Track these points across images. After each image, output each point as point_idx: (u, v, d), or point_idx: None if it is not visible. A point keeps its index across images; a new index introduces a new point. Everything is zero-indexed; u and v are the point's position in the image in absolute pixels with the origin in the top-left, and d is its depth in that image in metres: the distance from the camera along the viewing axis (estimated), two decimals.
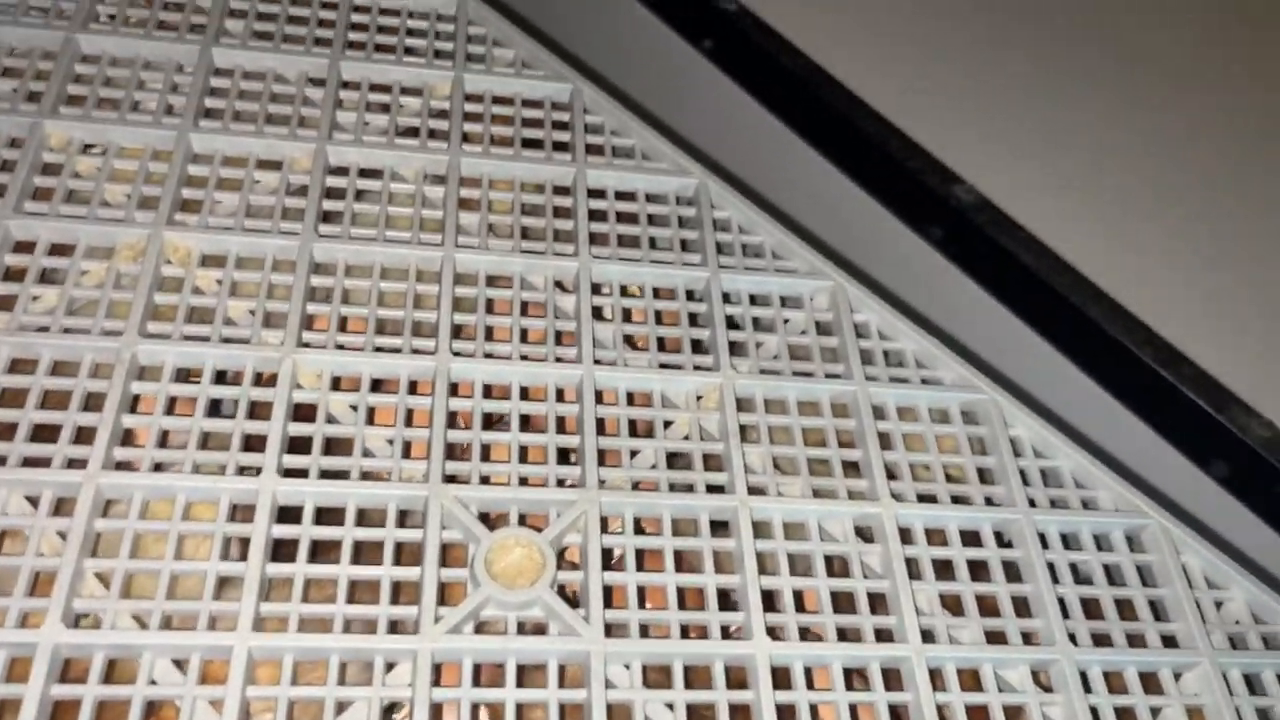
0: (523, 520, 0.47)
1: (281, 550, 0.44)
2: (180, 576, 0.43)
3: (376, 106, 0.60)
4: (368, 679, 0.42)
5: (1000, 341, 0.66)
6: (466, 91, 0.61)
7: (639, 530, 0.48)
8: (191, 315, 0.50)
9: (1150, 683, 0.47)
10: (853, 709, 0.44)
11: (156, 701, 0.41)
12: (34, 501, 0.44)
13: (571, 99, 0.62)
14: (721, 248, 0.57)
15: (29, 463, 0.44)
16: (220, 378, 0.49)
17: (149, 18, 0.60)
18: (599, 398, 0.51)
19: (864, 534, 0.50)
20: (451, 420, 0.49)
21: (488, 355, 0.51)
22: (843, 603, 0.47)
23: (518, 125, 0.60)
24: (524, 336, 0.52)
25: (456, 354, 0.50)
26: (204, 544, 0.44)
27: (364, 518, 0.46)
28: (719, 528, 0.48)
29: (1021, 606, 0.48)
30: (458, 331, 0.52)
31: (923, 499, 0.50)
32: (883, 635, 0.46)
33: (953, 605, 0.48)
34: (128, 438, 0.46)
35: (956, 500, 0.51)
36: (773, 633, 0.45)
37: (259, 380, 0.49)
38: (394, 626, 0.43)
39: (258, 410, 0.47)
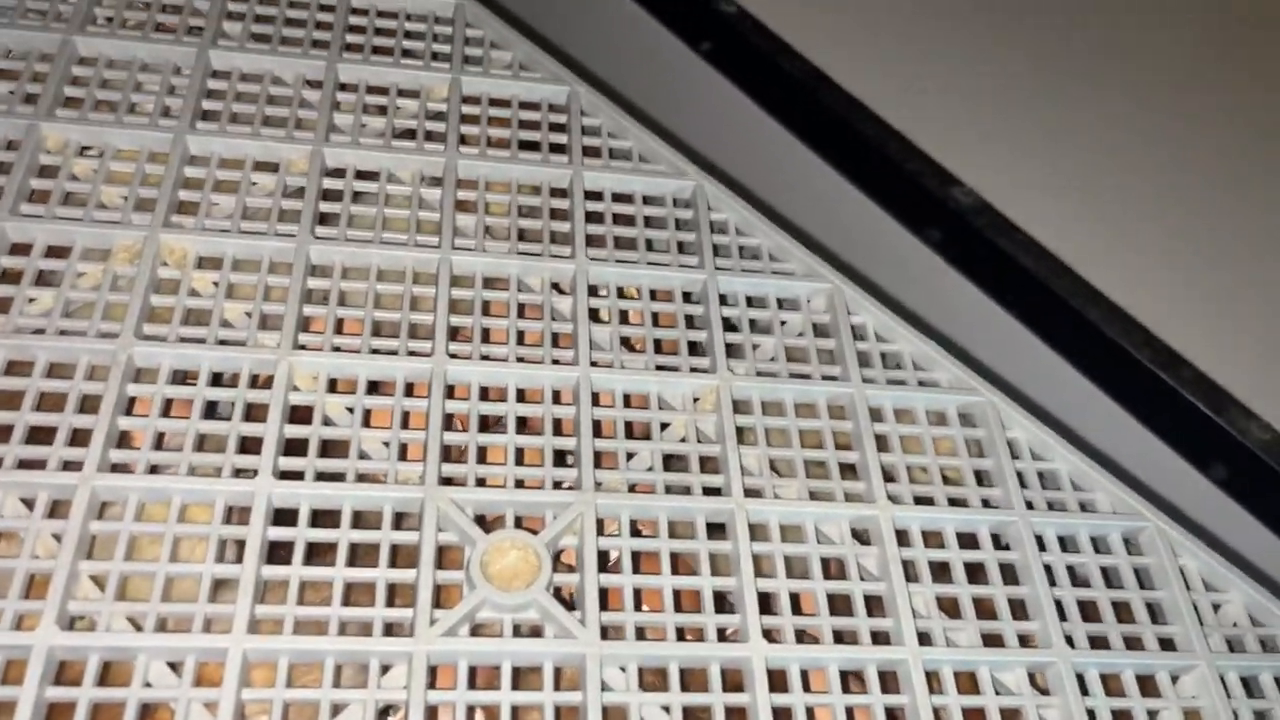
0: (519, 522, 0.47)
1: (277, 552, 0.44)
2: (175, 579, 0.43)
3: (373, 108, 0.60)
4: (363, 681, 0.42)
5: (998, 344, 0.66)
6: (464, 94, 0.61)
7: (635, 532, 0.48)
8: (188, 317, 0.50)
9: (1147, 685, 0.47)
10: (849, 711, 0.44)
11: (151, 704, 0.41)
12: (29, 504, 0.44)
13: (569, 101, 0.62)
14: (718, 250, 0.57)
15: (24, 465, 0.44)
16: (216, 380, 0.49)
17: (146, 20, 0.60)
18: (595, 400, 0.51)
19: (861, 536, 0.50)
20: (448, 422, 0.49)
21: (484, 357, 0.51)
22: (839, 605, 0.47)
23: (515, 127, 0.60)
24: (520, 338, 0.52)
25: (453, 356, 0.50)
26: (199, 546, 0.44)
27: (360, 520, 0.46)
28: (715, 530, 0.48)
29: (1018, 609, 0.48)
30: (454, 333, 0.52)
31: (920, 501, 0.50)
32: (879, 638, 0.46)
33: (949, 608, 0.48)
34: (123, 440, 0.46)
35: (953, 502, 0.51)
36: (769, 635, 0.45)
37: (255, 382, 0.49)
38: (389, 629, 0.43)
39: (254, 412, 0.47)
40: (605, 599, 0.45)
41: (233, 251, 0.52)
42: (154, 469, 0.45)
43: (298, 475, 0.46)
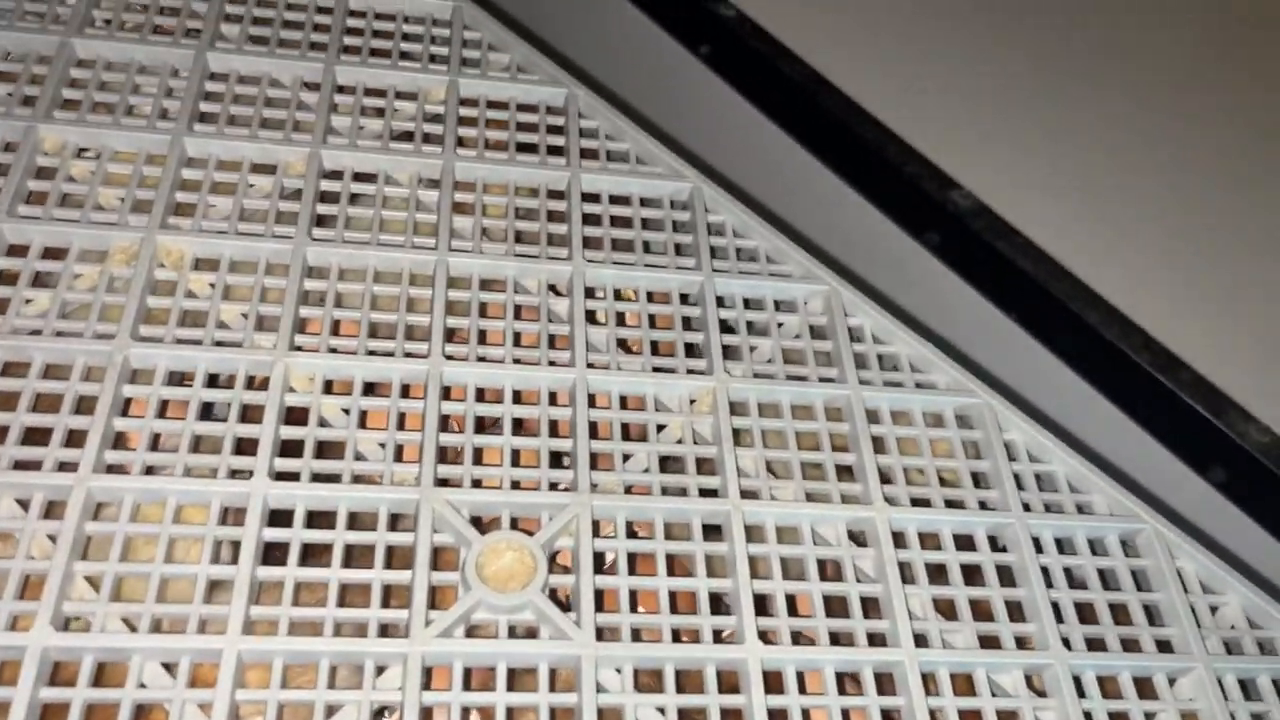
0: (514, 524, 0.46)
1: (272, 554, 0.44)
2: (171, 579, 0.43)
3: (371, 111, 0.60)
4: (358, 682, 0.42)
5: (995, 346, 0.66)
6: (461, 96, 0.61)
7: (631, 534, 0.48)
8: (184, 319, 0.50)
9: (1144, 688, 0.47)
10: (845, 713, 0.44)
11: (146, 705, 0.41)
12: (24, 504, 0.44)
13: (566, 103, 0.62)
14: (716, 252, 0.57)
15: (20, 466, 0.44)
16: (212, 381, 0.49)
17: (144, 22, 0.60)
18: (592, 401, 0.51)
19: (857, 538, 0.49)
20: (444, 424, 0.49)
21: (480, 359, 0.51)
22: (835, 607, 0.47)
23: (512, 129, 0.60)
24: (517, 340, 0.52)
25: (449, 357, 0.50)
26: (195, 547, 0.44)
27: (355, 521, 0.46)
28: (711, 531, 0.48)
29: (1015, 611, 0.48)
30: (451, 335, 0.52)
31: (916, 503, 0.50)
32: (875, 639, 0.46)
33: (946, 609, 0.48)
34: (119, 441, 0.46)
35: (950, 504, 0.51)
36: (765, 637, 0.45)
37: (251, 383, 0.49)
38: (385, 630, 0.43)
39: (250, 414, 0.47)
40: (601, 600, 0.45)
41: (230, 253, 0.52)
42: (149, 470, 0.45)
43: (293, 476, 0.46)
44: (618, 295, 0.55)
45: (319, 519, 0.45)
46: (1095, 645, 0.48)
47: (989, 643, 0.47)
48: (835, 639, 0.46)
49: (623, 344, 0.54)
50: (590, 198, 0.58)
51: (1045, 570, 0.49)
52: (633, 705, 0.43)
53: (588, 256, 0.56)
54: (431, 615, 0.43)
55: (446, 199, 0.56)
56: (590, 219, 0.57)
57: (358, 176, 0.57)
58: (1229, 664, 0.48)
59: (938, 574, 0.49)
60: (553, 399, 0.51)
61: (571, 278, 0.55)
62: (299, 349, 0.49)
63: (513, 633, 0.44)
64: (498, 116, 0.61)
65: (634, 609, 0.45)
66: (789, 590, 0.47)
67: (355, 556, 0.45)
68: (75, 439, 0.45)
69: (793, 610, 0.46)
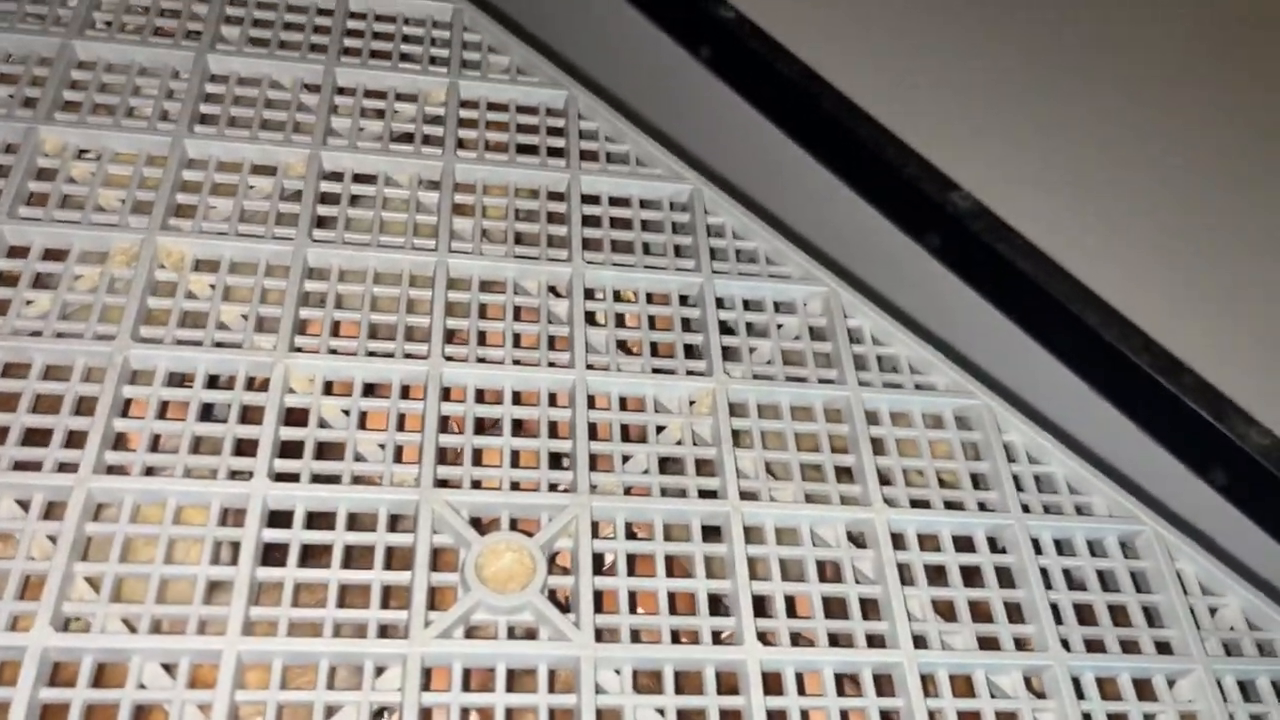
0: (514, 525, 0.47)
1: (272, 554, 0.44)
2: (170, 580, 0.43)
3: (371, 112, 0.60)
4: (357, 683, 0.42)
5: (995, 347, 0.66)
6: (461, 98, 0.61)
7: (630, 535, 0.48)
8: (184, 320, 0.50)
9: (1144, 689, 0.47)
10: (844, 715, 0.44)
11: (145, 705, 0.41)
12: (25, 505, 0.44)
13: (566, 105, 0.62)
14: (715, 253, 0.57)
15: (20, 466, 0.44)
16: (213, 382, 0.49)
17: (145, 24, 0.60)
18: (591, 402, 0.51)
19: (856, 539, 0.49)
20: (443, 425, 0.49)
21: (480, 360, 0.51)
22: (834, 608, 0.47)
23: (512, 131, 0.61)
24: (517, 341, 0.52)
25: (449, 359, 0.50)
26: (194, 548, 0.44)
27: (355, 522, 0.46)
28: (711, 533, 0.48)
29: (1014, 612, 0.48)
30: (450, 336, 0.52)
31: (916, 504, 0.50)
32: (874, 641, 0.46)
33: (945, 611, 0.48)
34: (119, 442, 0.46)
35: (949, 506, 0.51)
36: (764, 638, 0.45)
37: (251, 385, 0.49)
38: (384, 631, 0.43)
39: (250, 414, 0.47)
40: (600, 601, 0.45)
41: (230, 254, 0.52)
42: (150, 471, 0.45)
43: (293, 477, 0.46)
44: (617, 297, 0.55)
45: (319, 520, 0.45)
46: (1094, 647, 0.48)
47: (988, 644, 0.47)
48: (834, 640, 0.46)
49: (622, 345, 0.54)
50: (590, 199, 0.59)
51: (1044, 571, 0.49)
52: (632, 706, 0.43)
53: (587, 258, 0.56)
54: (431, 616, 0.43)
55: (446, 200, 0.56)
56: (590, 220, 0.58)
57: (358, 178, 0.57)
58: (1228, 666, 0.48)
59: (937, 575, 0.49)
60: (552, 400, 0.51)
61: (571, 279, 0.55)
62: (299, 350, 0.49)
63: (512, 634, 0.44)
64: (498, 118, 0.61)
65: (633, 610, 0.45)
66: (788, 591, 0.47)
67: (355, 557, 0.45)
68: (75, 440, 0.45)
69: (792, 611, 0.46)
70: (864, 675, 0.45)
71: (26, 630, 0.40)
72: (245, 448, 0.46)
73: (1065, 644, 0.47)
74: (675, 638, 0.45)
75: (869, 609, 0.47)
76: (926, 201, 0.67)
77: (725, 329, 0.55)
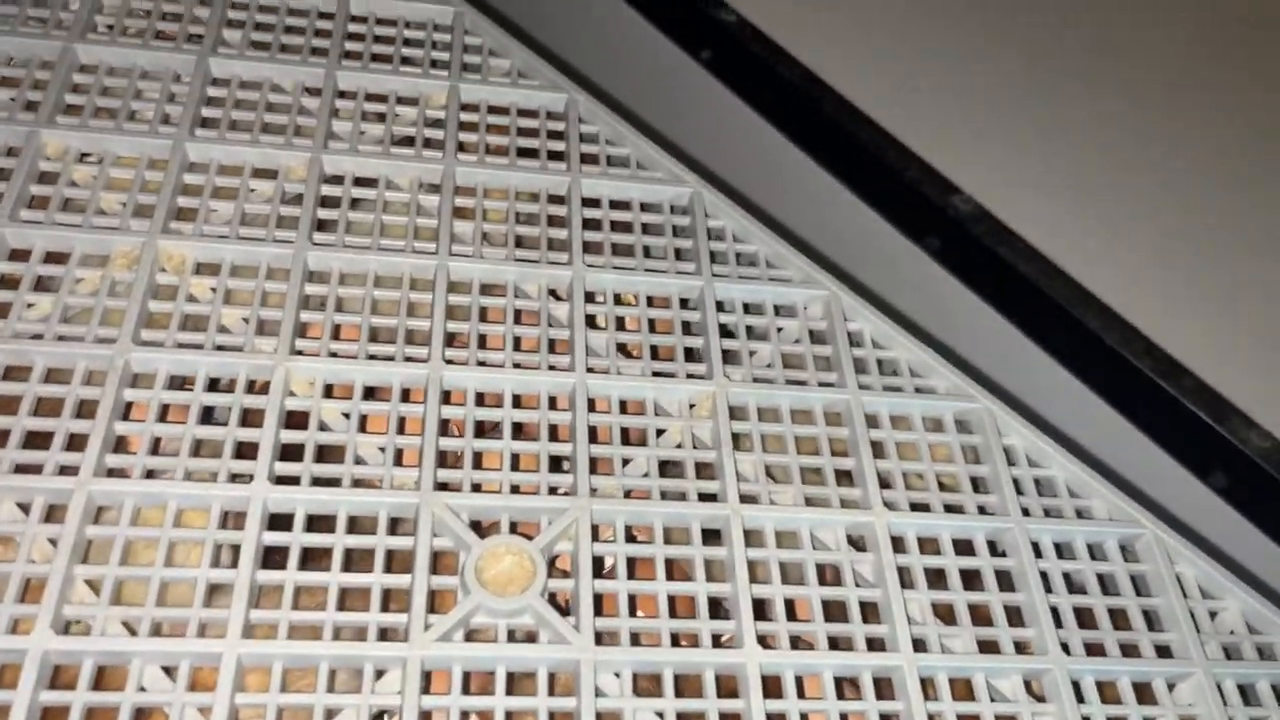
0: (514, 528, 0.47)
1: (272, 557, 0.44)
2: (171, 583, 0.43)
3: (372, 116, 0.60)
4: (357, 686, 0.42)
5: (995, 351, 0.66)
6: (462, 101, 0.61)
7: (630, 538, 0.48)
8: (185, 323, 0.50)
9: (1144, 693, 0.47)
10: (844, 718, 0.44)
11: (146, 708, 0.41)
12: (25, 508, 0.44)
13: (567, 108, 0.62)
14: (716, 256, 0.58)
15: (21, 469, 0.44)
16: (213, 385, 0.49)
17: (147, 28, 0.60)
18: (591, 405, 0.51)
19: (856, 543, 0.50)
20: (444, 428, 0.49)
21: (480, 363, 0.51)
22: (834, 611, 0.47)
23: (513, 134, 0.61)
24: (517, 344, 0.52)
25: (449, 362, 0.51)
26: (195, 551, 0.44)
27: (355, 525, 0.46)
28: (711, 536, 0.48)
29: (1014, 616, 0.48)
30: (451, 339, 0.52)
31: (915, 508, 0.50)
32: (874, 644, 0.46)
33: (945, 614, 0.48)
34: (120, 445, 0.46)
35: (949, 509, 0.51)
36: (764, 641, 0.45)
37: (252, 387, 0.49)
38: (384, 634, 0.43)
39: (250, 417, 0.47)
40: (600, 605, 0.45)
41: (231, 257, 0.52)
42: (150, 474, 0.45)
43: (293, 480, 0.46)
44: (618, 300, 0.55)
45: (319, 523, 0.45)
46: (1094, 650, 0.48)
47: (988, 648, 0.47)
48: (834, 644, 0.46)
49: (622, 348, 0.54)
50: (590, 203, 0.59)
51: (1044, 575, 0.49)
52: (631, 710, 0.43)
53: (588, 261, 0.56)
54: (431, 619, 0.43)
55: (447, 204, 0.56)
56: (590, 224, 0.58)
57: (359, 181, 0.57)
58: (1228, 669, 0.48)
59: (937, 579, 0.49)
60: (552, 403, 0.51)
61: (571, 282, 0.55)
62: (299, 353, 0.50)
63: (512, 637, 0.44)
64: (498, 121, 0.61)
65: (633, 613, 0.45)
66: (788, 595, 0.47)
67: (355, 560, 0.45)
68: (76, 443, 0.45)
69: (792, 615, 0.46)
70: (864, 679, 0.45)
71: (27, 633, 0.40)
72: (246, 451, 0.46)
73: (1065, 647, 0.47)
74: (675, 641, 0.45)
75: (869, 612, 0.47)
76: (927, 205, 0.67)
77: (725, 332, 0.55)
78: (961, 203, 0.66)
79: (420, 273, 0.54)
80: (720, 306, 0.56)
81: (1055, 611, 0.48)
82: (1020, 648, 0.47)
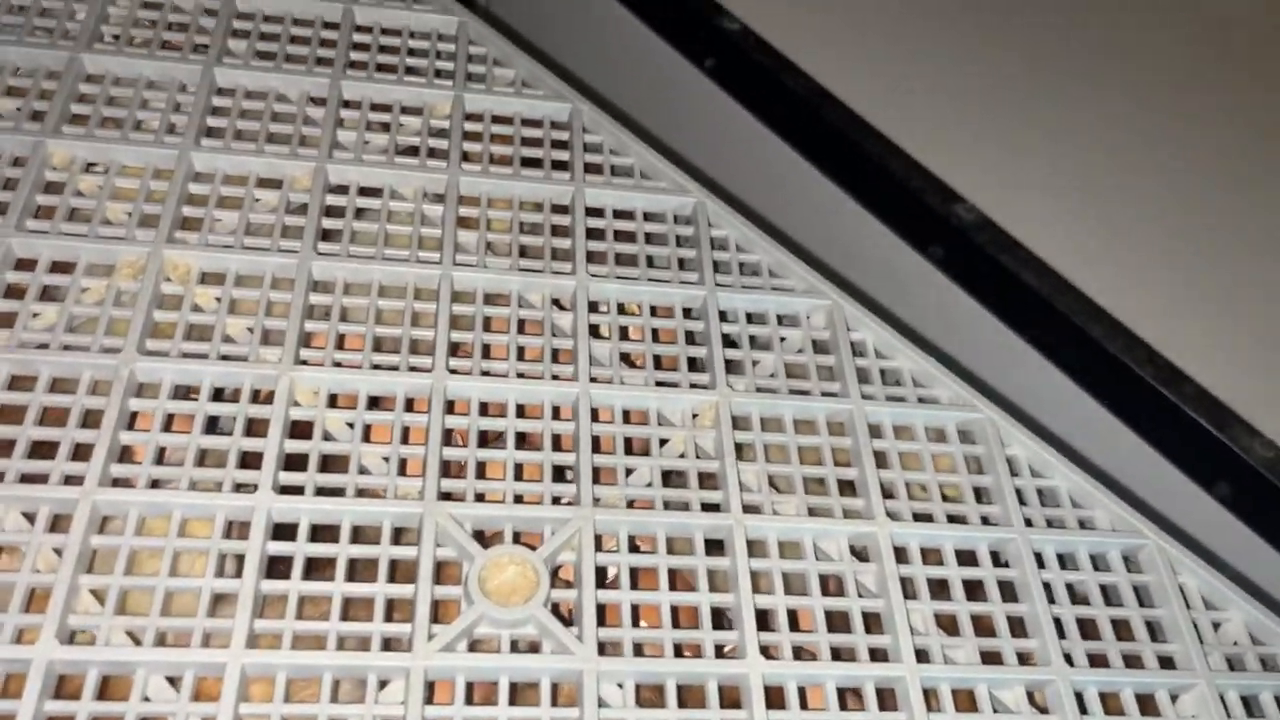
0: (517, 538, 0.47)
1: (276, 567, 0.44)
2: (175, 593, 0.43)
3: (377, 125, 0.60)
4: (361, 696, 0.42)
5: (998, 360, 0.66)
6: (466, 111, 0.62)
7: (633, 548, 0.48)
8: (190, 333, 0.50)
9: (1147, 704, 0.47)
10: None
11: (150, 718, 0.41)
12: (31, 518, 0.44)
13: (571, 118, 0.63)
14: (719, 266, 0.58)
15: (26, 479, 0.44)
16: (218, 395, 0.49)
17: (153, 38, 0.61)
18: (595, 415, 0.51)
19: (859, 553, 0.50)
20: (447, 438, 0.49)
21: (484, 373, 0.51)
22: (837, 622, 0.47)
23: (517, 144, 0.61)
24: (521, 354, 0.52)
25: (453, 371, 0.51)
26: (199, 561, 0.44)
27: (359, 535, 0.46)
28: (714, 546, 0.48)
29: (1017, 626, 0.48)
30: (455, 349, 0.52)
31: (918, 518, 0.50)
32: (877, 655, 0.46)
33: (948, 625, 0.48)
34: (125, 454, 0.46)
35: (952, 519, 0.51)
36: (767, 652, 0.45)
37: (256, 397, 0.49)
38: (388, 644, 0.43)
39: (255, 427, 0.47)
40: (603, 615, 0.45)
41: (235, 267, 0.53)
42: (155, 484, 0.46)
43: (298, 490, 0.46)
44: (621, 309, 0.55)
45: (323, 533, 0.46)
46: (1097, 661, 0.47)
47: (991, 658, 0.47)
48: (837, 654, 0.46)
49: (626, 358, 0.54)
50: (594, 212, 0.59)
51: (1047, 586, 0.49)
52: None
53: (591, 271, 0.56)
54: (434, 629, 0.43)
55: (451, 213, 0.56)
56: (594, 233, 0.58)
57: (363, 191, 0.57)
58: (1231, 680, 0.48)
59: (939, 589, 0.49)
60: (556, 413, 0.51)
61: (575, 292, 0.55)
62: (304, 363, 0.50)
63: (515, 647, 0.44)
64: (502, 131, 0.61)
65: (636, 623, 0.45)
66: (791, 605, 0.47)
67: (358, 570, 0.45)
68: (81, 453, 0.45)
69: (794, 625, 0.46)
70: (866, 689, 0.45)
71: (32, 643, 0.40)
72: (250, 460, 0.46)
73: (1068, 658, 0.47)
74: (678, 651, 0.45)
75: (871, 623, 0.47)
76: (930, 214, 0.68)
77: (728, 342, 0.55)
78: (965, 211, 0.67)
79: (424, 282, 0.54)
80: (723, 316, 0.56)
81: (1058, 622, 0.48)
82: (1023, 659, 0.47)
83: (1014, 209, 0.67)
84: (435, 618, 0.43)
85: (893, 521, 0.50)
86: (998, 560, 0.50)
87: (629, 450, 0.51)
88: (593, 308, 0.55)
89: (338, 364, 0.50)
